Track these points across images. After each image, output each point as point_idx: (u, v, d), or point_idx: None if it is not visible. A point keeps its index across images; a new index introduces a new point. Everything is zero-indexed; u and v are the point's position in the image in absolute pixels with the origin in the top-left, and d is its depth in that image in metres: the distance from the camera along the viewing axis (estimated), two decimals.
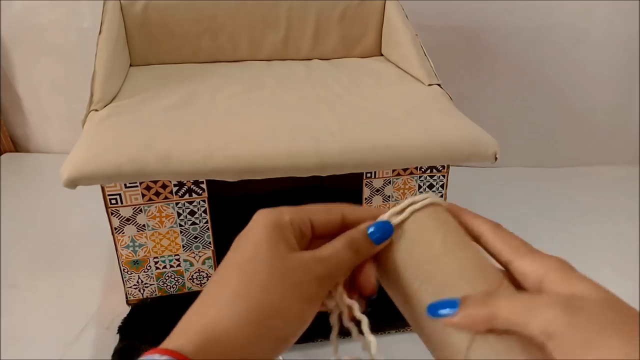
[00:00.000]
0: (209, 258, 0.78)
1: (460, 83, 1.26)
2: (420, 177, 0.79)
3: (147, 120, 0.71)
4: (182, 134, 0.67)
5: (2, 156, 1.32)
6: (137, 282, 0.77)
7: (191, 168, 0.63)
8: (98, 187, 0.69)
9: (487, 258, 0.30)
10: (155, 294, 0.79)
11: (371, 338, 0.29)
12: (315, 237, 0.31)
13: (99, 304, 0.83)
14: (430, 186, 0.80)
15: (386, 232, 0.31)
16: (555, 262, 0.27)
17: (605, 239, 1.04)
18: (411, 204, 0.32)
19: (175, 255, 0.77)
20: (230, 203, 0.74)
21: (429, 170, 0.79)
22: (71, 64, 1.24)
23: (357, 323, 0.30)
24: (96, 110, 0.73)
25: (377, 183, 0.78)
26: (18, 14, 1.19)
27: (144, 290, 0.79)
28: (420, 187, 0.80)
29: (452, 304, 0.27)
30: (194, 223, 0.75)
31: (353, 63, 1.01)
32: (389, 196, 0.79)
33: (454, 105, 0.79)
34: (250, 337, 0.26)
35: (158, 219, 0.73)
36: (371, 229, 0.31)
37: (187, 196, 0.72)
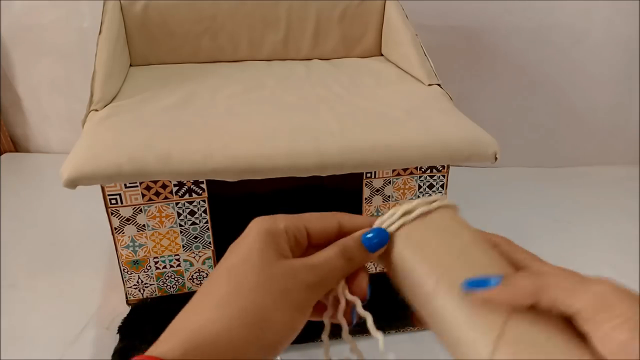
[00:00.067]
0: (209, 258, 0.78)
1: (460, 83, 1.26)
2: (420, 177, 0.79)
3: (147, 120, 0.71)
4: (182, 134, 0.67)
5: (2, 156, 1.32)
6: (137, 282, 0.77)
7: (191, 168, 0.63)
8: (98, 187, 0.69)
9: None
10: (155, 294, 0.79)
11: (378, 334, 0.28)
12: (312, 246, 0.31)
13: (99, 304, 0.83)
14: (430, 186, 0.80)
15: (382, 239, 0.31)
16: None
17: (605, 239, 1.04)
18: (421, 204, 0.31)
19: (175, 255, 0.77)
20: (230, 203, 0.74)
21: (429, 170, 0.79)
22: (71, 64, 1.24)
23: (349, 324, 0.30)
24: (96, 110, 0.73)
25: (377, 183, 0.78)
26: (18, 14, 1.19)
27: (144, 290, 0.79)
28: (420, 187, 0.80)
29: (493, 280, 0.26)
30: (194, 223, 0.75)
31: (353, 63, 1.01)
32: (389, 196, 0.79)
33: (454, 105, 0.79)
34: (237, 342, 0.26)
35: (158, 219, 0.73)
36: (367, 235, 0.31)
37: (187, 196, 0.72)
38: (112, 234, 0.73)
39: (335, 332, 0.32)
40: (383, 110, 0.75)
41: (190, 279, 0.79)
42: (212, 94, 0.80)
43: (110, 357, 0.70)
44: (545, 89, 1.29)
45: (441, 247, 0.29)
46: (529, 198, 1.20)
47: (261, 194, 0.74)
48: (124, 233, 0.73)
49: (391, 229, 0.31)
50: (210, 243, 0.77)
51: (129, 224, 0.73)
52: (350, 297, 0.30)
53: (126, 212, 0.72)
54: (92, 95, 0.74)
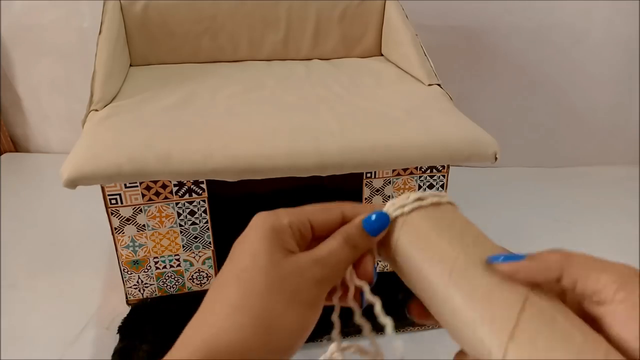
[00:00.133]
0: (209, 258, 0.78)
1: (460, 83, 1.27)
2: (420, 177, 0.79)
3: (147, 120, 0.71)
4: (182, 134, 0.67)
5: (2, 156, 1.32)
6: (137, 282, 0.77)
7: (191, 168, 0.63)
8: (98, 187, 0.69)
9: None
10: (155, 294, 0.79)
11: (387, 320, 0.28)
12: (315, 238, 0.31)
13: (99, 304, 0.83)
14: (430, 186, 0.80)
15: (383, 221, 0.30)
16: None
17: (605, 239, 1.04)
18: (420, 198, 0.31)
19: (175, 255, 0.77)
20: (230, 203, 0.74)
21: (429, 170, 0.79)
22: (71, 64, 1.24)
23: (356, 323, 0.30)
24: (96, 110, 0.73)
25: (377, 183, 0.78)
26: (18, 14, 1.19)
27: (144, 290, 0.79)
28: (420, 187, 0.80)
29: (520, 255, 0.26)
30: (194, 223, 0.75)
31: (353, 63, 1.01)
32: (389, 196, 0.79)
33: (454, 105, 0.79)
34: (252, 348, 0.26)
35: (158, 219, 0.73)
36: (368, 219, 0.30)
37: (187, 196, 0.72)
38: (112, 234, 0.73)
39: (343, 331, 0.32)
40: (383, 110, 0.75)
41: (190, 279, 0.79)
42: (212, 94, 0.80)
43: (110, 357, 0.70)
44: (545, 89, 1.29)
45: (452, 237, 0.29)
46: (529, 198, 1.20)
47: (261, 194, 0.74)
48: (124, 233, 0.73)
49: (398, 212, 0.31)
50: (210, 243, 0.77)
51: (129, 224, 0.73)
52: (358, 282, 0.30)
53: (126, 212, 0.72)
54: (92, 95, 0.74)
